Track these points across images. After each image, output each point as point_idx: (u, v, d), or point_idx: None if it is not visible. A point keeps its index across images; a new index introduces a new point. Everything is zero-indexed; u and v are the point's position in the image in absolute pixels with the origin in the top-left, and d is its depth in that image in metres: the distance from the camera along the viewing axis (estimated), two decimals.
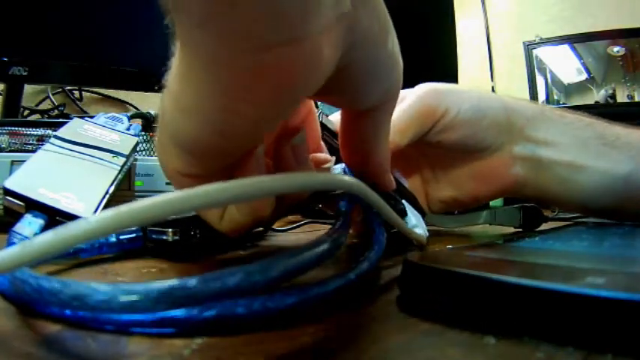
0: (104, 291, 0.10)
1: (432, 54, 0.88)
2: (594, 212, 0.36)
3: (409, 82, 0.35)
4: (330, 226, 0.17)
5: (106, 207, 0.25)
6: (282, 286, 0.12)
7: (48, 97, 0.78)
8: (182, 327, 0.12)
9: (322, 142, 0.24)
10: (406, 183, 0.35)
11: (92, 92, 0.83)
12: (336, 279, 0.14)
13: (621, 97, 1.46)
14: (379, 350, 0.11)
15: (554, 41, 1.58)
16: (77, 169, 0.27)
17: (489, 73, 1.74)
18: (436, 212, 0.37)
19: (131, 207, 0.10)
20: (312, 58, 0.13)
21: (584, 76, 1.53)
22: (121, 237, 0.22)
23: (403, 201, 0.28)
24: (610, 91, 1.47)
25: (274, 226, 0.33)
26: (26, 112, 0.74)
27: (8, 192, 0.23)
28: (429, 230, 0.28)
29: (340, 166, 0.23)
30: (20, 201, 0.23)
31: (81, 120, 0.33)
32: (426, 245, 0.27)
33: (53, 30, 0.58)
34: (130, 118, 0.38)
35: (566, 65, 1.57)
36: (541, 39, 1.61)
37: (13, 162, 0.32)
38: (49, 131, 0.38)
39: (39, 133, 0.38)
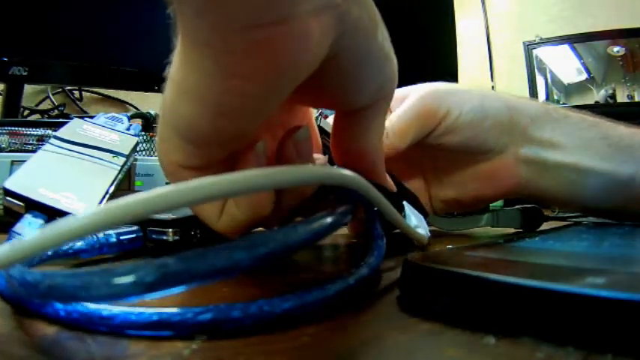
0: (80, 277, 0.10)
1: (432, 54, 0.88)
2: (597, 212, 0.36)
3: (409, 82, 0.34)
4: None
5: None
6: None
7: (48, 97, 0.78)
8: (177, 330, 0.11)
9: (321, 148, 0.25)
10: (408, 186, 0.35)
11: (92, 92, 0.83)
12: (335, 283, 0.14)
13: (621, 97, 1.46)
14: (379, 350, 0.11)
15: (554, 41, 1.58)
16: (77, 170, 0.27)
17: (489, 73, 1.74)
18: (439, 213, 0.36)
19: (121, 202, 0.10)
20: (301, 38, 0.14)
21: (584, 76, 1.53)
22: (122, 237, 0.22)
23: (404, 202, 0.28)
24: (610, 91, 1.47)
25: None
26: (26, 112, 0.74)
27: (8, 192, 0.23)
28: (429, 230, 0.28)
29: None
30: (20, 201, 0.23)
31: (80, 120, 0.33)
32: (427, 245, 0.27)
33: (53, 30, 0.58)
34: (130, 118, 0.38)
35: (566, 65, 1.57)
36: (541, 39, 1.61)
37: (13, 162, 0.32)
38: (49, 131, 0.38)
39: (39, 133, 0.38)
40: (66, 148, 0.28)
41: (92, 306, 0.12)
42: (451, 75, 0.92)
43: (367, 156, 0.21)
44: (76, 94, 0.82)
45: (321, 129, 0.25)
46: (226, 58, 0.14)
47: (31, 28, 0.56)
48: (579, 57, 1.53)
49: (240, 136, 0.17)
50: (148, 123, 0.54)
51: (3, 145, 0.37)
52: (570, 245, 0.23)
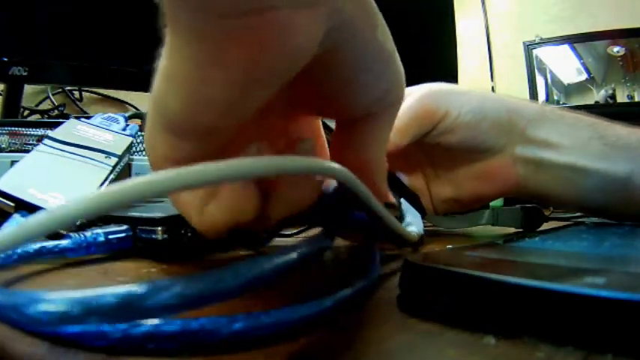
0: (36, 301, 0.10)
1: (432, 54, 0.88)
2: (595, 212, 0.36)
3: (409, 83, 0.35)
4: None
5: None
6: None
7: (48, 97, 0.78)
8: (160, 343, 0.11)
9: None
10: (408, 184, 0.35)
11: (92, 92, 0.83)
12: (331, 296, 0.13)
13: (621, 97, 1.46)
14: (379, 351, 0.11)
15: (554, 41, 1.58)
16: (68, 170, 0.27)
17: (489, 74, 1.74)
18: (440, 212, 0.37)
19: (91, 195, 0.10)
20: (283, 31, 0.13)
21: (584, 76, 1.53)
22: (110, 237, 0.22)
23: (402, 199, 0.28)
24: (610, 91, 1.47)
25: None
26: (26, 112, 0.74)
27: None
28: (429, 230, 0.28)
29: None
30: (10, 201, 0.23)
31: (76, 120, 0.33)
32: (421, 245, 0.27)
33: (53, 30, 0.58)
34: (128, 118, 0.38)
35: (566, 65, 1.57)
36: (541, 39, 1.61)
37: (13, 162, 0.32)
38: (49, 131, 0.38)
39: (39, 133, 0.38)
40: (58, 149, 0.28)
41: None
42: (451, 75, 0.92)
43: (368, 169, 0.20)
44: (76, 94, 0.82)
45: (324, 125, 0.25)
46: (206, 46, 0.13)
47: (31, 28, 0.56)
48: (579, 57, 1.53)
49: (223, 130, 0.16)
50: None
51: (3, 145, 0.37)
52: (570, 245, 0.23)
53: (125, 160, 0.33)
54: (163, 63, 0.15)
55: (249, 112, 0.16)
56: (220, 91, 0.14)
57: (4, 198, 0.23)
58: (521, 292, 0.12)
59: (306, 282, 0.20)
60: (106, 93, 0.83)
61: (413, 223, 0.28)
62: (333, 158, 0.21)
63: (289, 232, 0.34)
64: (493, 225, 0.39)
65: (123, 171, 0.33)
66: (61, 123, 0.33)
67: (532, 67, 1.62)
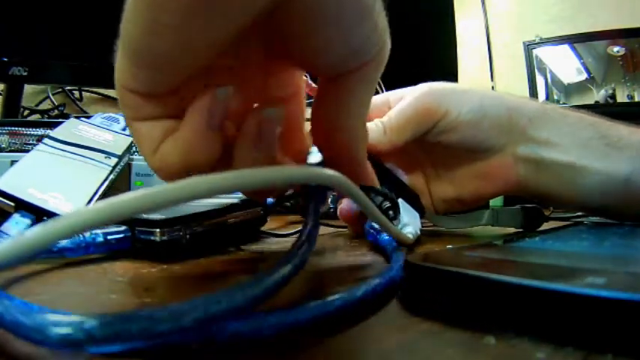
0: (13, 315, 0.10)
1: (432, 54, 0.88)
2: (595, 212, 0.36)
3: (410, 83, 0.35)
4: (333, 229, 0.16)
5: None
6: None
7: (48, 97, 0.78)
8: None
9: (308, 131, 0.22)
10: (409, 183, 0.35)
11: (92, 92, 0.83)
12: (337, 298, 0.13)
13: (621, 97, 1.46)
14: (379, 350, 0.11)
15: (554, 41, 1.58)
16: (68, 170, 0.27)
17: (489, 73, 1.74)
18: (440, 212, 0.37)
19: (78, 212, 0.10)
20: None
21: (584, 76, 1.53)
22: (109, 237, 0.22)
23: (400, 199, 0.28)
24: (610, 91, 1.47)
25: (277, 231, 0.33)
26: (26, 112, 0.74)
27: None
28: (429, 230, 0.28)
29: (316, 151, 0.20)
30: (10, 201, 0.23)
31: (76, 120, 0.33)
32: (417, 245, 0.26)
33: (53, 30, 0.58)
34: None
35: (566, 65, 1.57)
36: (541, 39, 1.61)
37: (13, 162, 0.32)
38: (49, 131, 0.38)
39: (39, 133, 0.38)
40: (58, 148, 0.28)
41: None
42: (451, 75, 0.92)
43: (343, 137, 0.19)
44: (76, 94, 0.82)
45: None
46: None
47: (31, 28, 0.56)
48: (579, 57, 1.53)
49: (179, 62, 0.16)
50: None
51: (3, 145, 0.37)
52: (570, 245, 0.23)
53: (125, 160, 0.33)
54: None
55: (206, 50, 0.15)
56: (173, 18, 0.14)
57: (4, 198, 0.23)
58: (521, 292, 0.12)
59: (307, 282, 0.20)
60: (106, 93, 0.83)
61: (409, 224, 0.28)
62: (313, 123, 0.20)
63: (284, 233, 0.34)
64: (493, 225, 0.39)
65: (123, 171, 0.33)
66: (61, 123, 0.33)
67: (532, 67, 1.62)
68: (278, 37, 0.17)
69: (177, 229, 0.22)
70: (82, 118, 0.35)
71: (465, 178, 0.35)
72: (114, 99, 0.89)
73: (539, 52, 1.62)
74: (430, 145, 0.34)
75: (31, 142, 0.37)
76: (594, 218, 0.43)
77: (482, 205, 0.39)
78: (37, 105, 0.78)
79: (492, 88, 1.71)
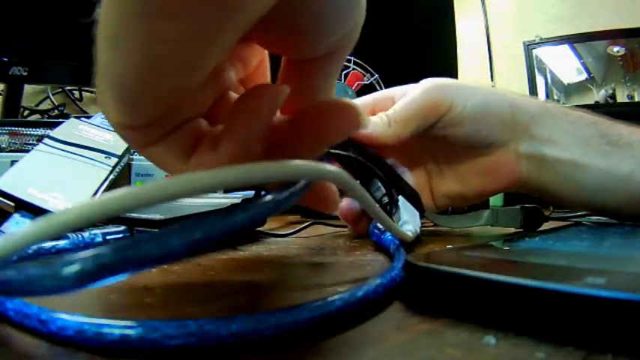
0: (23, 271, 0.10)
1: (432, 54, 0.88)
2: (596, 210, 0.36)
3: (410, 82, 0.35)
4: (333, 229, 0.16)
5: None
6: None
7: (48, 97, 0.78)
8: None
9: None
10: (411, 180, 0.35)
11: (92, 92, 0.83)
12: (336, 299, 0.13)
13: (621, 97, 1.46)
14: (379, 350, 0.11)
15: (554, 41, 1.58)
16: (68, 170, 0.27)
17: (489, 73, 1.74)
18: (441, 208, 0.37)
19: (65, 211, 0.10)
20: None
21: (584, 76, 1.53)
22: (108, 237, 0.22)
23: (400, 197, 0.28)
24: (610, 91, 1.47)
25: (276, 231, 0.33)
26: (26, 112, 0.74)
27: None
28: (429, 230, 0.28)
29: None
30: (10, 201, 0.23)
31: (76, 120, 0.33)
32: (417, 243, 0.26)
33: (53, 30, 0.58)
34: None
35: (566, 65, 1.57)
36: (541, 39, 1.61)
37: (13, 162, 0.32)
38: (49, 131, 0.38)
39: (39, 133, 0.38)
40: (59, 148, 0.28)
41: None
42: (451, 75, 0.92)
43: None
44: (76, 94, 0.82)
45: None
46: None
47: (31, 28, 0.56)
48: (579, 57, 1.53)
49: (178, 93, 0.14)
50: None
51: (3, 145, 0.37)
52: (570, 245, 0.23)
53: (125, 160, 0.33)
54: (101, 18, 0.12)
55: (208, 69, 0.13)
56: (168, 48, 0.12)
57: (4, 198, 0.23)
58: (521, 292, 0.12)
59: (307, 282, 0.20)
60: None
61: (409, 222, 0.28)
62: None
63: (284, 233, 0.34)
64: (493, 225, 0.39)
65: (123, 171, 0.33)
66: (61, 123, 0.33)
67: (532, 67, 1.63)
68: (266, 26, 0.15)
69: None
70: (82, 118, 0.35)
71: (468, 174, 0.35)
72: None
73: (539, 52, 1.62)
74: (433, 141, 0.34)
75: (31, 142, 0.37)
76: (594, 218, 0.43)
77: (483, 202, 0.39)
78: (37, 105, 0.78)
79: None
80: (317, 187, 0.18)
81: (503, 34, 1.73)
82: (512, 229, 0.40)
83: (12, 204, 0.23)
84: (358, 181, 0.18)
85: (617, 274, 0.14)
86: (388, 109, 0.33)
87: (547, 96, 1.61)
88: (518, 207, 0.39)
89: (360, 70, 0.60)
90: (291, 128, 0.17)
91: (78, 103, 0.82)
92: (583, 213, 0.44)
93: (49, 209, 0.23)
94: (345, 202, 0.33)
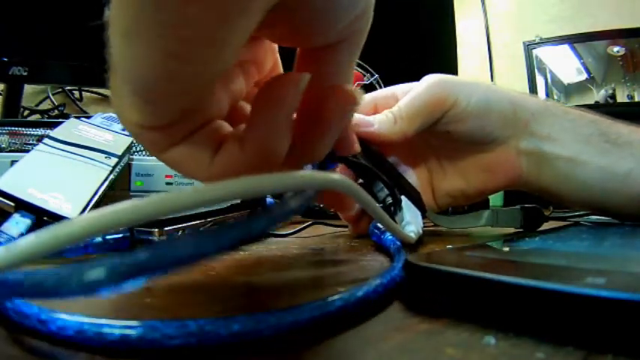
0: (59, 274, 0.10)
1: (432, 55, 0.88)
2: (595, 209, 0.36)
3: (410, 81, 0.35)
4: (334, 229, 0.16)
5: (96, 207, 0.25)
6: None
7: (48, 97, 0.79)
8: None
9: None
10: (413, 178, 0.35)
11: (92, 92, 0.83)
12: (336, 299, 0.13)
13: (621, 97, 1.46)
14: (379, 350, 0.11)
15: (554, 41, 1.58)
16: (68, 170, 0.27)
17: (489, 74, 1.74)
18: (442, 207, 0.37)
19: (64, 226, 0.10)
20: None
21: (584, 76, 1.53)
22: (107, 237, 0.22)
23: (402, 197, 0.28)
24: (610, 91, 1.47)
25: (276, 231, 0.33)
26: (26, 112, 0.74)
27: None
28: (429, 230, 0.28)
29: None
30: (10, 201, 0.23)
31: (76, 120, 0.33)
32: (419, 244, 0.27)
33: (53, 30, 0.58)
34: None
35: (566, 65, 1.57)
36: (541, 39, 1.61)
37: (13, 162, 0.32)
38: (49, 131, 0.38)
39: (39, 133, 0.38)
40: (58, 148, 0.28)
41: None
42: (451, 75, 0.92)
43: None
44: (76, 94, 0.82)
45: None
46: None
47: (31, 28, 0.56)
48: (579, 57, 1.53)
49: (202, 83, 0.14)
50: None
51: (3, 145, 0.37)
52: (570, 245, 0.23)
53: (125, 160, 0.33)
54: (112, 12, 0.12)
55: (234, 51, 0.13)
56: (189, 34, 0.11)
57: (4, 198, 0.23)
58: (521, 292, 0.12)
59: (307, 282, 0.20)
60: (106, 93, 0.83)
61: (412, 222, 0.28)
62: None
63: (284, 233, 0.34)
64: (493, 226, 0.39)
65: (123, 171, 0.33)
66: (61, 123, 0.33)
67: (532, 67, 1.62)
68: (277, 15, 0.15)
69: (177, 228, 0.22)
70: (82, 118, 0.35)
71: (470, 171, 0.35)
72: None
73: (539, 52, 1.62)
74: (436, 137, 0.34)
75: (31, 142, 0.37)
76: (594, 218, 0.43)
77: (482, 203, 0.39)
78: (37, 105, 0.78)
79: None
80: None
81: (503, 34, 1.73)
82: (512, 230, 0.40)
83: (12, 204, 0.23)
84: (361, 180, 0.18)
85: (617, 274, 0.14)
86: (391, 107, 0.33)
87: (547, 96, 1.61)
88: (518, 207, 0.39)
89: (360, 70, 0.60)
90: (299, 120, 0.17)
91: (78, 103, 0.82)
92: (583, 213, 0.44)
93: (49, 209, 0.23)
94: None
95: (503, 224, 0.39)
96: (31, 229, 0.22)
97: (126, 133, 0.35)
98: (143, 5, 0.11)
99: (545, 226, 0.40)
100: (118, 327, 0.11)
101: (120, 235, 0.23)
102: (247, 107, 0.19)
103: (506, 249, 0.22)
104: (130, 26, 0.11)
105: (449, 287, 0.14)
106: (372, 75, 0.61)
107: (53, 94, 0.79)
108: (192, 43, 0.11)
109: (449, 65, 0.95)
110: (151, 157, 0.39)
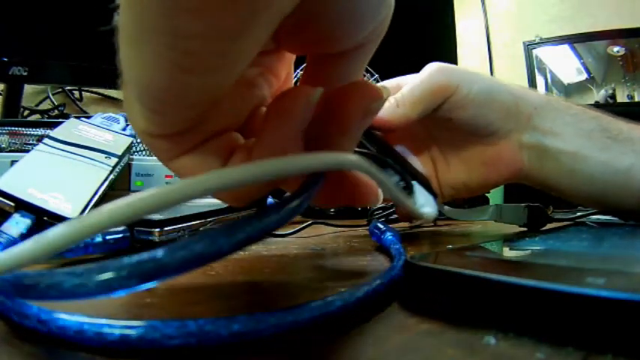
0: (78, 274, 0.10)
1: (432, 54, 0.88)
2: (596, 205, 0.36)
3: None
4: (334, 229, 0.16)
5: (95, 207, 0.25)
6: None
7: (48, 97, 0.79)
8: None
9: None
10: (418, 167, 0.35)
11: (92, 92, 0.83)
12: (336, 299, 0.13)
13: (621, 97, 1.46)
14: (379, 350, 0.11)
15: (554, 41, 1.58)
16: (68, 170, 0.27)
17: (489, 73, 1.74)
18: (446, 198, 0.37)
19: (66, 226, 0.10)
20: None
21: (584, 76, 1.53)
22: (107, 237, 0.22)
23: (415, 182, 0.28)
24: (610, 91, 1.47)
25: (276, 231, 0.33)
26: (26, 112, 0.74)
27: None
28: (430, 230, 0.28)
29: None
30: (10, 201, 0.23)
31: (76, 120, 0.33)
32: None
33: (53, 30, 0.58)
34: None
35: (566, 65, 1.57)
36: (541, 39, 1.61)
37: (13, 162, 0.32)
38: (49, 131, 0.38)
39: (39, 133, 0.38)
40: (58, 148, 0.28)
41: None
42: None
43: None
44: (76, 94, 0.82)
45: None
46: None
47: (31, 28, 0.56)
48: (579, 57, 1.53)
49: (209, 96, 0.13)
50: None
51: (3, 145, 0.37)
52: (570, 245, 0.23)
53: (125, 160, 0.33)
54: (121, 20, 0.12)
55: (241, 64, 0.12)
56: (199, 45, 0.11)
57: (4, 198, 0.23)
58: (521, 292, 0.12)
59: (307, 282, 0.20)
60: (106, 93, 0.83)
61: (427, 205, 0.28)
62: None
63: (284, 233, 0.34)
64: (496, 221, 0.39)
65: (123, 171, 0.33)
66: (61, 123, 0.33)
67: (532, 67, 1.62)
68: (298, 23, 0.14)
69: (176, 228, 0.22)
70: (82, 118, 0.35)
71: (472, 164, 0.35)
72: (114, 99, 0.89)
73: (539, 52, 1.62)
74: (439, 126, 0.34)
75: (31, 142, 0.37)
76: (594, 218, 0.43)
77: (482, 199, 0.39)
78: (37, 105, 0.78)
79: None
80: (350, 181, 0.18)
81: (503, 34, 1.73)
82: (512, 229, 0.40)
83: (12, 204, 0.23)
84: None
85: (617, 274, 0.14)
86: None
87: None
88: (523, 205, 0.39)
89: None
90: (317, 119, 0.17)
91: (78, 103, 0.82)
92: (583, 213, 0.44)
93: (49, 209, 0.23)
94: None
95: (506, 220, 0.39)
96: (31, 229, 0.22)
97: (126, 133, 0.35)
98: (150, 14, 0.10)
99: (547, 226, 0.40)
100: (117, 327, 0.11)
101: (120, 235, 0.23)
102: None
103: (506, 249, 0.22)
104: (137, 35, 0.11)
105: (449, 287, 0.14)
106: (372, 75, 0.61)
107: (53, 94, 0.79)
108: (196, 54, 0.11)
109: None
110: (151, 157, 0.39)
